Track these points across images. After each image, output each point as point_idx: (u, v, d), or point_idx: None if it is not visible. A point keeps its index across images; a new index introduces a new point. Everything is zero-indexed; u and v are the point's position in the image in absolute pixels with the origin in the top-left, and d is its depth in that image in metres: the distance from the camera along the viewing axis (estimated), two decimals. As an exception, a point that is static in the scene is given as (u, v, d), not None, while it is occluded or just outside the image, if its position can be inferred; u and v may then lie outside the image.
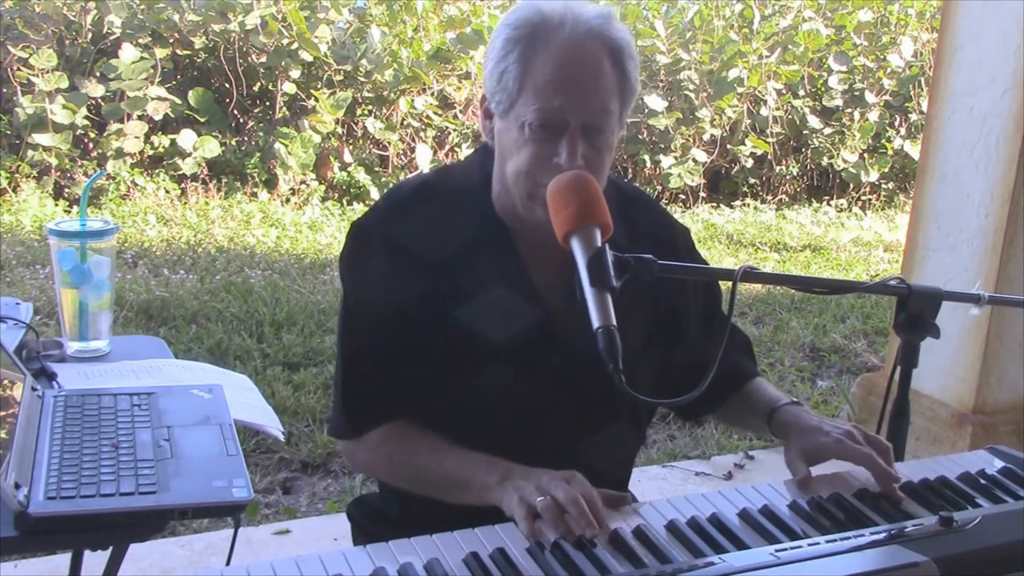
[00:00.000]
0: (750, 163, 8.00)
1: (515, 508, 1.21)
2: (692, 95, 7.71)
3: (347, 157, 7.05)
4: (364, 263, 1.48)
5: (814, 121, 8.04)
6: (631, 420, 1.57)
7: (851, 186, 8.28)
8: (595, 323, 1.14)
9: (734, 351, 1.63)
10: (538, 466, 1.29)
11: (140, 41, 6.59)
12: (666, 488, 3.25)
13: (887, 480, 1.30)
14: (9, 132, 6.35)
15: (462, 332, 1.42)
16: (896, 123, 8.43)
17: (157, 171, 6.58)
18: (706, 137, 7.78)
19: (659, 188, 7.73)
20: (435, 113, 7.19)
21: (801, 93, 8.09)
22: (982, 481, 1.37)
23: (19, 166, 6.29)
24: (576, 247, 1.20)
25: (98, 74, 6.50)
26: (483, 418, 1.42)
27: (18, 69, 6.25)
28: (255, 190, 6.69)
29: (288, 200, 6.74)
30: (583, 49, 1.33)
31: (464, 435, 1.41)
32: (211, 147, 6.61)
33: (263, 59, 6.92)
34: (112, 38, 6.60)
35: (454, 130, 7.28)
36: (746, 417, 1.61)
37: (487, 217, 1.46)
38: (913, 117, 8.29)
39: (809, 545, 1.13)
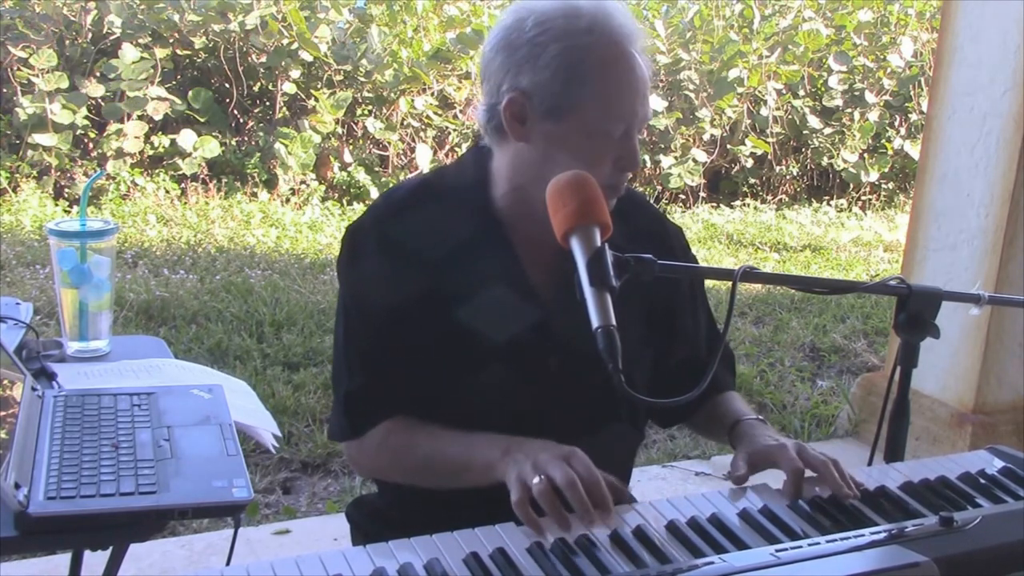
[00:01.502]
0: (750, 163, 8.00)
1: (511, 487, 1.21)
2: (692, 95, 7.71)
3: (347, 157, 7.05)
4: (360, 264, 1.48)
5: (814, 121, 8.04)
6: (629, 418, 1.58)
7: (851, 186, 8.28)
8: (595, 323, 1.14)
9: (718, 364, 1.63)
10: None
11: (140, 41, 6.60)
12: (666, 488, 3.25)
13: (795, 494, 1.30)
14: (9, 132, 6.35)
15: (459, 331, 1.42)
16: (896, 123, 8.43)
17: (157, 171, 6.59)
18: (706, 137, 7.78)
19: (659, 188, 7.73)
20: (435, 113, 7.19)
21: (801, 93, 8.09)
22: (982, 481, 1.37)
23: (19, 166, 6.29)
24: (575, 246, 1.20)
25: (98, 74, 6.50)
26: (481, 417, 1.42)
27: (18, 69, 6.26)
28: (255, 190, 6.69)
29: (288, 200, 6.74)
30: (633, 57, 1.39)
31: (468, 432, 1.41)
32: (211, 147, 6.61)
33: (263, 59, 6.92)
34: (112, 38, 6.61)
35: (454, 130, 7.28)
36: (712, 426, 1.61)
37: (483, 215, 1.46)
38: (913, 117, 8.30)
39: (809, 545, 1.13)
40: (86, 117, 6.43)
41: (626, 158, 1.39)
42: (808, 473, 1.33)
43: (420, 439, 1.43)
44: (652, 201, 2.25)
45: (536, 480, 1.18)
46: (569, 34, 1.35)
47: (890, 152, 8.31)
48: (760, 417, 1.53)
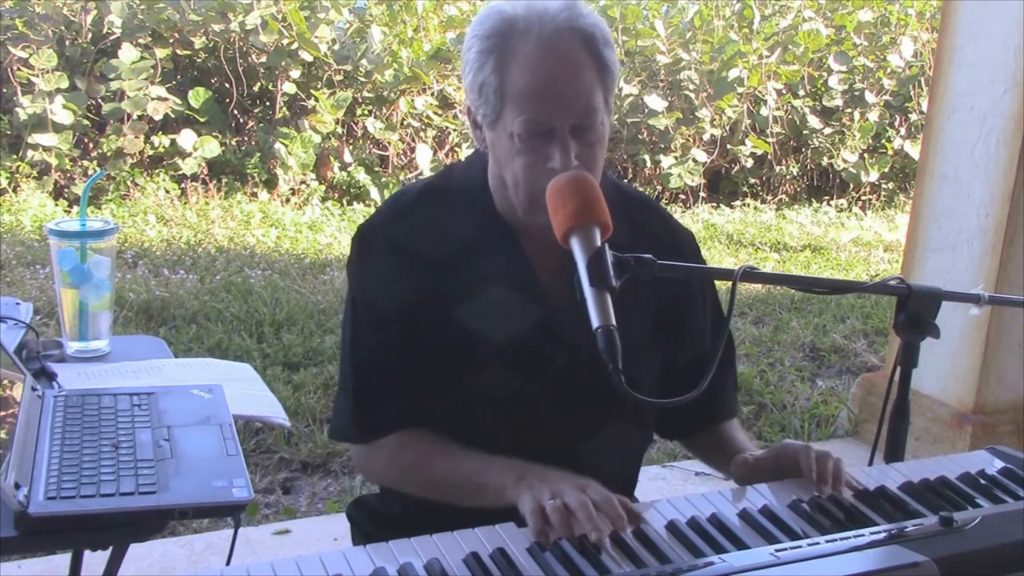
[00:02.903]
0: (750, 163, 8.00)
1: (525, 505, 1.20)
2: (692, 95, 7.71)
3: (347, 157, 7.05)
4: (369, 265, 1.48)
5: (814, 121, 8.04)
6: (636, 420, 1.57)
7: (851, 186, 8.28)
8: (594, 323, 1.14)
9: (725, 387, 1.62)
10: (543, 465, 1.29)
11: (140, 41, 6.60)
12: (666, 488, 3.25)
13: (812, 472, 1.32)
14: (9, 132, 6.35)
15: (468, 332, 1.42)
16: (896, 123, 8.43)
17: (157, 171, 6.59)
18: (706, 137, 7.78)
19: (659, 188, 7.73)
20: (435, 113, 7.19)
21: (801, 93, 8.09)
22: (982, 481, 1.37)
23: (19, 166, 6.29)
24: (575, 246, 1.20)
25: (98, 74, 6.50)
26: (488, 418, 1.42)
27: (18, 69, 6.26)
28: (255, 190, 6.69)
29: (288, 200, 6.74)
30: (557, 48, 1.31)
31: (469, 435, 1.41)
32: (211, 147, 6.61)
33: (263, 59, 6.92)
34: (112, 38, 6.61)
35: (454, 130, 7.28)
36: (711, 452, 1.62)
37: (491, 216, 1.46)
38: (913, 117, 8.30)
39: (809, 545, 1.13)
40: (86, 117, 6.43)
41: (558, 161, 1.30)
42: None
43: (433, 457, 1.43)
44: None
45: (550, 500, 1.19)
46: (479, 39, 1.34)
47: (890, 152, 8.32)
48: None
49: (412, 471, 1.46)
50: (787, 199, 8.18)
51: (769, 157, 8.01)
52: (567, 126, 1.32)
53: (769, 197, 8.14)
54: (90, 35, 6.65)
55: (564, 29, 1.31)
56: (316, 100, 6.89)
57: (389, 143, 7.13)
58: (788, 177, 8.21)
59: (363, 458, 1.52)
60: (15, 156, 6.31)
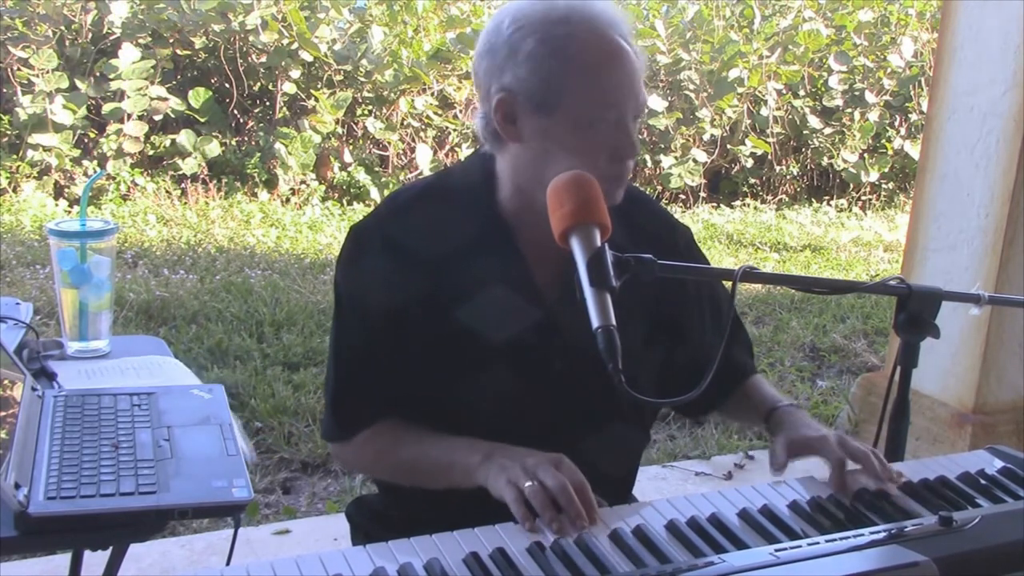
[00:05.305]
0: (750, 163, 8.00)
1: (503, 489, 1.21)
2: (692, 95, 7.71)
3: (347, 157, 7.05)
4: (361, 264, 1.48)
5: (814, 121, 8.05)
6: (635, 420, 1.57)
7: (851, 186, 8.28)
8: (594, 323, 1.13)
9: (738, 350, 1.64)
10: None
11: (140, 41, 6.60)
12: (666, 488, 3.25)
13: (839, 484, 1.32)
14: (9, 132, 6.35)
15: (463, 332, 1.42)
16: (896, 123, 8.43)
17: (157, 171, 6.59)
18: (706, 137, 7.78)
19: (659, 188, 7.73)
20: (435, 113, 7.19)
21: (801, 93, 8.09)
22: (982, 481, 1.37)
23: (19, 166, 6.29)
24: (574, 246, 1.20)
25: (98, 74, 6.51)
26: (484, 419, 1.42)
27: (18, 69, 6.26)
28: (255, 190, 6.69)
29: (288, 200, 6.74)
30: (616, 43, 1.36)
31: (464, 435, 1.41)
32: (211, 147, 6.61)
33: (263, 59, 6.92)
34: (112, 38, 6.61)
35: (454, 130, 7.28)
36: (744, 412, 1.62)
37: (489, 217, 1.45)
38: (913, 117, 8.30)
39: (809, 545, 1.13)
40: (86, 117, 6.43)
41: (622, 147, 1.37)
42: (851, 465, 1.34)
43: (404, 441, 1.44)
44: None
45: (528, 484, 1.19)
46: (544, 25, 1.35)
47: (890, 152, 8.32)
48: (795, 403, 1.53)
49: (383, 456, 1.47)
50: (787, 199, 8.19)
51: (769, 157, 8.01)
52: (632, 115, 1.38)
53: (769, 197, 8.15)
54: (90, 35, 6.65)
55: (617, 26, 1.37)
56: (316, 100, 6.89)
57: (389, 143, 7.14)
58: (788, 177, 8.21)
59: (338, 448, 1.55)
60: (15, 156, 6.31)
